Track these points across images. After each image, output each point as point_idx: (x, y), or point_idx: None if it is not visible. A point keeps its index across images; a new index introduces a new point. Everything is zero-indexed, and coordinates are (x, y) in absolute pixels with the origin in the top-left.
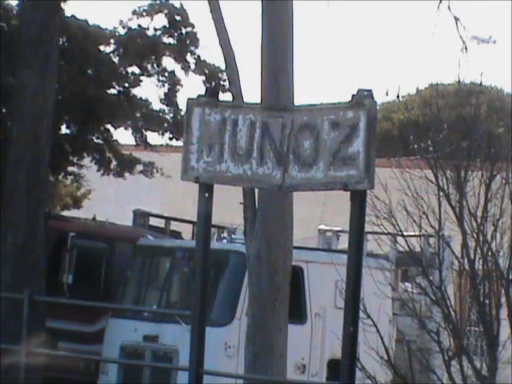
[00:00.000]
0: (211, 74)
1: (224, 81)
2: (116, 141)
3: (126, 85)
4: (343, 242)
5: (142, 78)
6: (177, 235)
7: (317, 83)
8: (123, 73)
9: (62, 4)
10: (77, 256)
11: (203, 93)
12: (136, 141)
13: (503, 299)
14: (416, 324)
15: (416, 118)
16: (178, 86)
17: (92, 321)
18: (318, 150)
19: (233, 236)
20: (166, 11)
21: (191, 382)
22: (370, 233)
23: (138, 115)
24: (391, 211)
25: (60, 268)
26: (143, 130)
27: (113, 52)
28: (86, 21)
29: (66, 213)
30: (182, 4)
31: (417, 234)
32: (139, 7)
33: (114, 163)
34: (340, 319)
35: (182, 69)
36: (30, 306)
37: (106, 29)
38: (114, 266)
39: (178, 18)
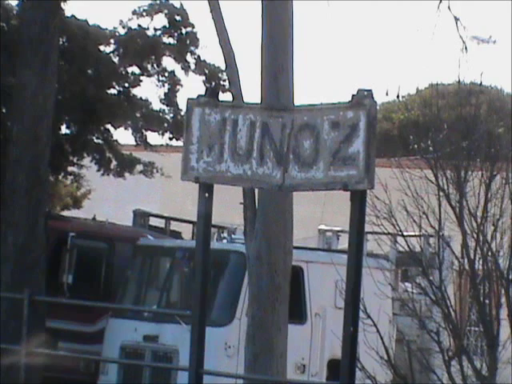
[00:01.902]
0: (211, 73)
1: (224, 81)
2: (116, 141)
3: (126, 85)
4: (343, 242)
5: (141, 77)
6: (177, 235)
7: (317, 83)
8: (123, 73)
9: (62, 4)
10: (77, 256)
11: (203, 93)
12: (136, 141)
13: (503, 299)
14: (416, 324)
15: (416, 118)
16: (178, 86)
17: (92, 321)
18: (318, 149)
19: (233, 236)
20: (166, 11)
21: (191, 381)
22: (370, 233)
23: (138, 115)
24: (391, 211)
25: (60, 268)
26: (143, 130)
27: (113, 52)
28: (86, 21)
29: (66, 213)
30: (182, 4)
31: (417, 234)
32: (139, 7)
33: (114, 163)
34: (340, 319)
35: (182, 69)
36: (30, 306)
37: (106, 29)
38: (114, 266)
39: (177, 18)
